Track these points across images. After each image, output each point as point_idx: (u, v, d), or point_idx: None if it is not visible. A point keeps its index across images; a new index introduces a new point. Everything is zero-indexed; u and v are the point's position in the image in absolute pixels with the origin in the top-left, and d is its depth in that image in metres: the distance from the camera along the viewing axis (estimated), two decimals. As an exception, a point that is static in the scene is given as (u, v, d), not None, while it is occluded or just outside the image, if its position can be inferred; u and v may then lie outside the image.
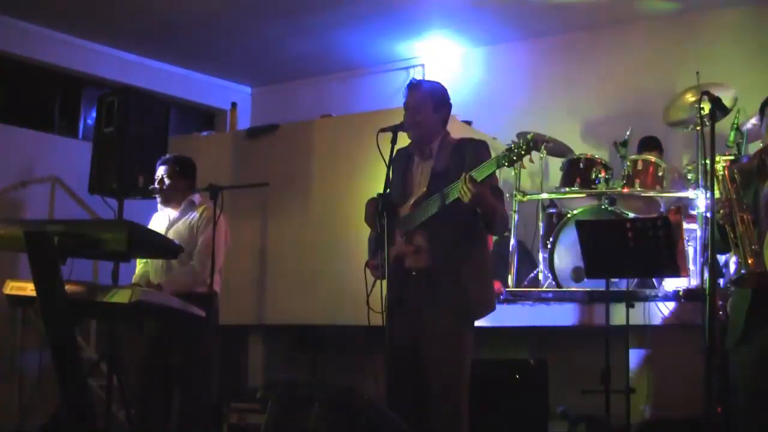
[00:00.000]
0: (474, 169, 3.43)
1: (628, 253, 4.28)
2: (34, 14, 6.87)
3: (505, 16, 6.87)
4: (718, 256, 4.14)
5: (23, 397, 6.12)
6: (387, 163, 3.64)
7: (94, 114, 6.26)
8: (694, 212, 5.49)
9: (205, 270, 4.59)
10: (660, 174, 5.65)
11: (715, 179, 3.47)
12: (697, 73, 5.66)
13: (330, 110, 6.82)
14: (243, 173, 6.23)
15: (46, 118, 7.50)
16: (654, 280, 5.31)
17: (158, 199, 4.86)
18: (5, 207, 6.75)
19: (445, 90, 3.88)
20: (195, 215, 4.78)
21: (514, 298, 5.52)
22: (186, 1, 6.64)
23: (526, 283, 5.99)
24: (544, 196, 6.03)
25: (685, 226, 5.32)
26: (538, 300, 5.46)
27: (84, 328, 6.52)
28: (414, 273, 3.70)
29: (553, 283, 5.66)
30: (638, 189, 5.63)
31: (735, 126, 5.52)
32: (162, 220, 4.86)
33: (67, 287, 3.69)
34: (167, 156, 4.97)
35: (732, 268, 4.36)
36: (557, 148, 6.17)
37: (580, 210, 5.76)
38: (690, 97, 5.57)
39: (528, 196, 5.92)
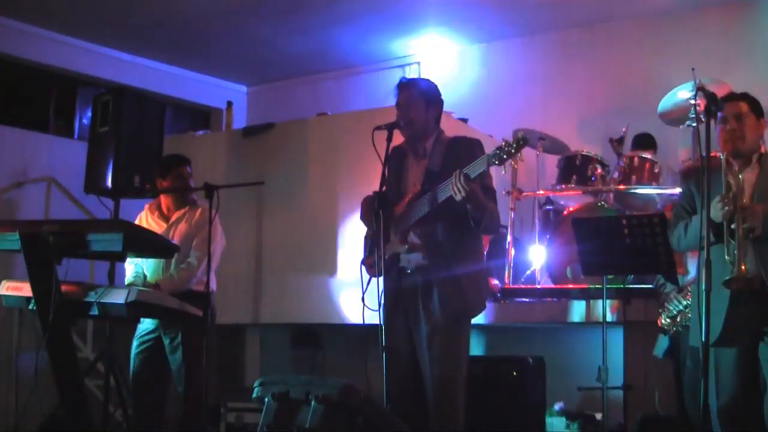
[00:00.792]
0: (467, 166, 3.43)
1: (625, 250, 4.27)
2: (28, 14, 6.86)
3: (501, 13, 6.87)
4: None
5: (20, 398, 6.10)
6: (383, 160, 3.64)
7: (89, 114, 6.25)
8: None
9: (202, 267, 4.59)
10: (656, 171, 5.66)
11: (728, 174, 3.46)
12: (693, 69, 5.66)
13: (326, 109, 6.82)
14: (239, 172, 6.23)
15: (42, 118, 7.50)
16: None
17: (163, 198, 4.84)
18: (1, 207, 6.74)
19: (437, 87, 3.88)
20: (196, 214, 4.78)
21: (510, 295, 5.52)
22: (181, 0, 6.63)
23: (522, 280, 6.00)
24: (541, 193, 6.03)
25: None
26: (535, 297, 5.46)
27: (81, 328, 6.51)
28: (409, 271, 3.70)
29: (550, 280, 5.67)
30: (634, 186, 5.63)
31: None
32: (158, 219, 4.84)
33: (64, 287, 3.69)
34: (182, 155, 4.98)
35: (692, 272, 4.37)
36: (553, 145, 6.17)
37: (576, 207, 5.76)
38: (686, 94, 5.58)
39: (524, 193, 5.93)
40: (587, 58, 7.03)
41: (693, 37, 6.54)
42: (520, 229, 6.25)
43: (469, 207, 3.49)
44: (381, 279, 3.59)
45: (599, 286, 4.88)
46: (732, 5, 6.47)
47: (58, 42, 7.23)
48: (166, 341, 4.64)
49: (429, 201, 3.58)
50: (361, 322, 3.69)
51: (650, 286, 4.80)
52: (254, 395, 3.36)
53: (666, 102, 5.78)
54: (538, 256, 5.85)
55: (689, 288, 4.25)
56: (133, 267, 4.81)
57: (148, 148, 5.57)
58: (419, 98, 3.78)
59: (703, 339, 3.18)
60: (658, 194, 5.76)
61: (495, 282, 5.53)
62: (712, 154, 3.71)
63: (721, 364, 3.51)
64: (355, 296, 3.80)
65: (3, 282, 4.11)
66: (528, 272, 6.05)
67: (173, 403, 4.81)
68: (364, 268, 3.82)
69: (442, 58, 7.62)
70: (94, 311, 3.89)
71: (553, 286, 5.59)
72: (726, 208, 3.39)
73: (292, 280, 6.07)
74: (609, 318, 4.80)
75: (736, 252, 3.36)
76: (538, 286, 5.68)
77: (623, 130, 5.90)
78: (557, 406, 5.35)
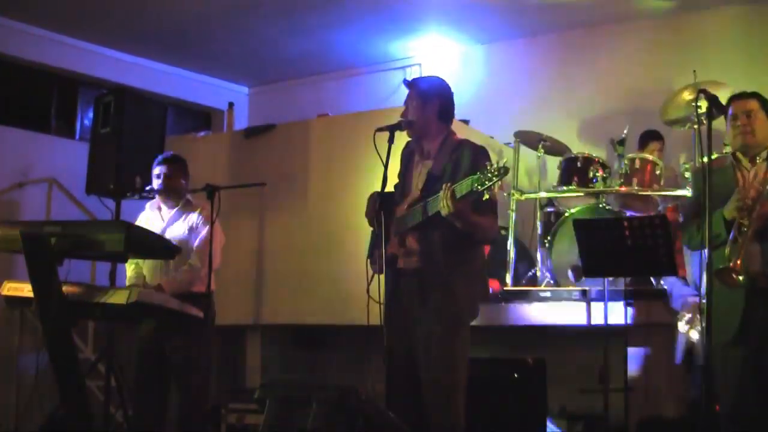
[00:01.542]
0: (457, 182, 3.35)
1: (626, 252, 4.27)
2: (30, 15, 6.87)
3: (503, 14, 6.87)
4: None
5: (21, 398, 6.11)
6: (384, 162, 3.61)
7: (90, 114, 6.26)
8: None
9: (204, 267, 4.58)
10: (657, 172, 5.64)
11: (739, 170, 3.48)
12: (694, 71, 5.66)
13: (327, 110, 6.81)
14: (240, 173, 6.22)
15: (43, 119, 7.50)
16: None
17: (158, 198, 4.82)
18: (2, 208, 6.74)
19: (439, 85, 3.82)
20: (193, 215, 4.76)
21: (512, 297, 5.52)
22: (183, 1, 6.64)
23: (524, 281, 6.00)
24: (542, 194, 6.03)
25: (683, 224, 5.32)
26: (536, 299, 5.46)
27: (82, 328, 6.52)
28: (406, 274, 3.69)
29: (551, 281, 5.66)
30: (636, 187, 5.62)
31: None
32: (155, 219, 4.83)
33: (65, 288, 3.69)
34: (167, 154, 4.94)
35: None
36: (555, 147, 6.16)
37: (577, 209, 5.76)
38: (687, 96, 5.57)
39: (526, 195, 5.93)
40: (589, 59, 7.03)
41: (694, 38, 6.54)
42: (521, 230, 6.24)
43: (457, 224, 3.45)
44: (383, 275, 3.58)
45: (600, 288, 4.88)
46: (735, 6, 6.47)
47: (59, 43, 7.24)
48: (167, 342, 4.64)
49: (422, 211, 3.57)
50: (363, 323, 3.68)
51: (652, 287, 4.80)
52: (255, 397, 3.36)
53: (667, 104, 5.78)
54: (539, 257, 5.85)
55: None
56: (134, 267, 4.81)
57: (149, 149, 5.56)
58: (417, 98, 3.76)
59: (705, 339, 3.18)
60: (659, 196, 5.75)
61: (496, 283, 5.54)
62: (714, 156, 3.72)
63: (728, 365, 3.51)
64: (357, 297, 3.79)
65: (4, 283, 4.11)
66: (529, 274, 6.05)
67: (174, 404, 4.80)
68: (369, 263, 3.83)
69: (444, 59, 7.62)
70: (95, 312, 3.89)
71: (554, 287, 5.58)
72: (743, 202, 3.42)
73: (294, 281, 6.06)
74: (610, 320, 4.80)
75: (737, 246, 3.38)
76: (540, 288, 5.68)
77: (624, 131, 5.89)
78: (558, 408, 5.34)
